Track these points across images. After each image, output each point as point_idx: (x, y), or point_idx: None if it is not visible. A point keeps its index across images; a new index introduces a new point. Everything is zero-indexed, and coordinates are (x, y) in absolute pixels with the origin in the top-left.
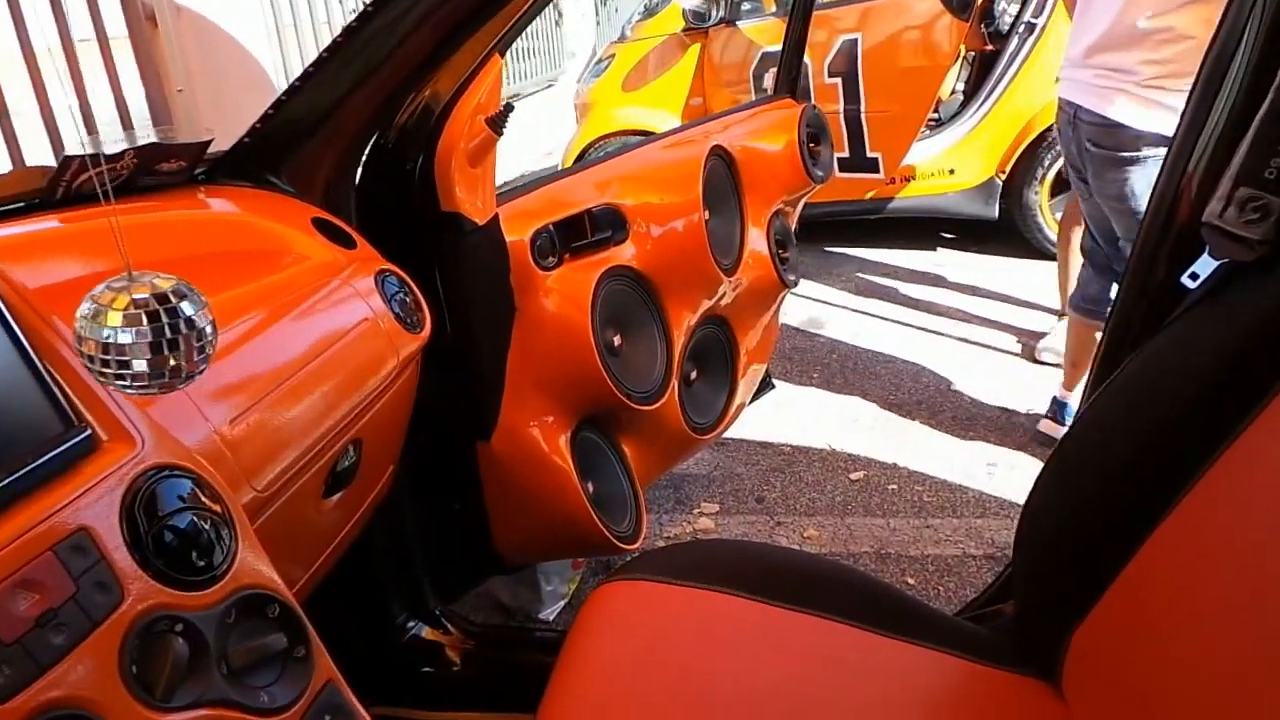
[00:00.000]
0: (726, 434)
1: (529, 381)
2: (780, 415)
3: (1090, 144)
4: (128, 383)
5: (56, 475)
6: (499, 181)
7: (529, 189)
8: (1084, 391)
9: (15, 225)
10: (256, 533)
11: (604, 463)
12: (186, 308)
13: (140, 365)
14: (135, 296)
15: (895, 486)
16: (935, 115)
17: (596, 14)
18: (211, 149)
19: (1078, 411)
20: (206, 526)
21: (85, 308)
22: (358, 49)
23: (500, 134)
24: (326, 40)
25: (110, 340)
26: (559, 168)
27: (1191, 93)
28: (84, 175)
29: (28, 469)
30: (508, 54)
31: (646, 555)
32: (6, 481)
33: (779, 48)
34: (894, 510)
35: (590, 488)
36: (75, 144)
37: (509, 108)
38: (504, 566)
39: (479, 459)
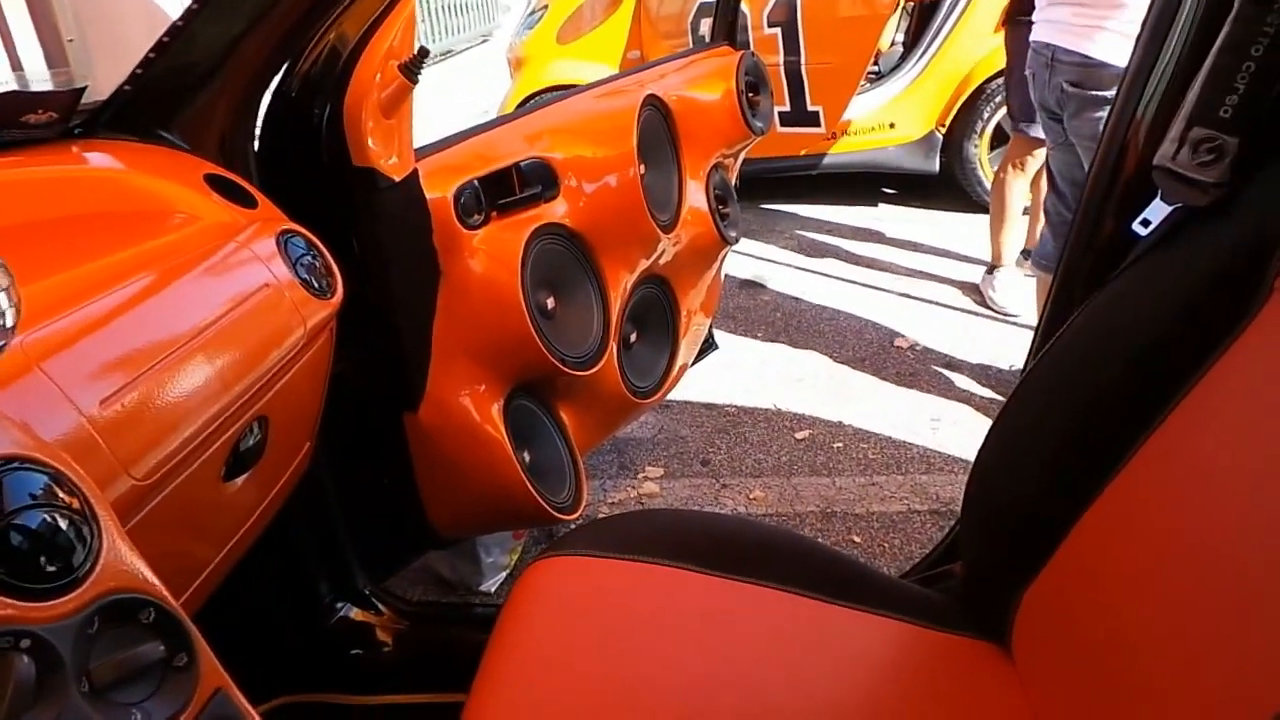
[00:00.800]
0: (670, 396)
1: (457, 348)
2: (725, 375)
3: (1069, 84)
4: None
5: None
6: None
7: (451, 143)
8: (1032, 346)
9: None
10: (144, 524)
11: (540, 431)
12: None
13: None
14: None
15: (841, 444)
16: (875, 68)
17: None
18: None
19: (1024, 369)
20: (64, 525)
21: None
22: None
23: (415, 81)
24: None
25: None
26: None
27: (1141, 31)
28: None
29: None
30: (438, 9)
31: (583, 528)
32: None
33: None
34: (839, 469)
35: (526, 457)
36: None
37: (424, 52)
38: (439, 541)
39: (407, 431)
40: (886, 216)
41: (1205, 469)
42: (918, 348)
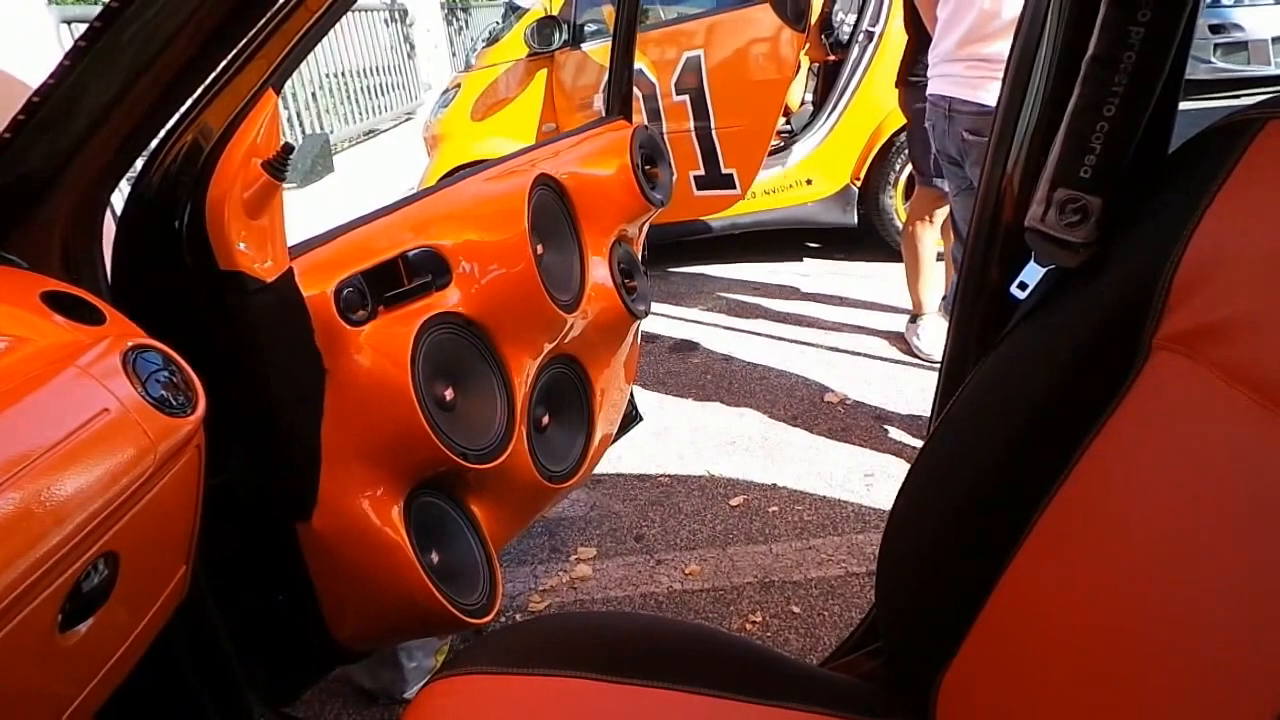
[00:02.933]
0: (600, 470)
1: (349, 450)
2: (656, 444)
3: (968, 132)
4: None
5: None
6: None
7: (332, 236)
8: (933, 408)
9: None
10: None
11: (450, 528)
12: None
13: None
14: None
15: (776, 508)
16: (787, 127)
17: (451, 43)
18: None
19: (928, 430)
20: None
21: None
22: (93, 73)
23: (281, 179)
24: None
25: None
26: None
27: (1003, 84)
28: None
29: None
30: (360, 89)
31: (477, 644)
32: None
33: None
34: (775, 534)
35: (434, 558)
36: None
37: (288, 148)
38: (347, 655)
39: (301, 542)
40: (812, 271)
41: (1118, 522)
42: (848, 401)
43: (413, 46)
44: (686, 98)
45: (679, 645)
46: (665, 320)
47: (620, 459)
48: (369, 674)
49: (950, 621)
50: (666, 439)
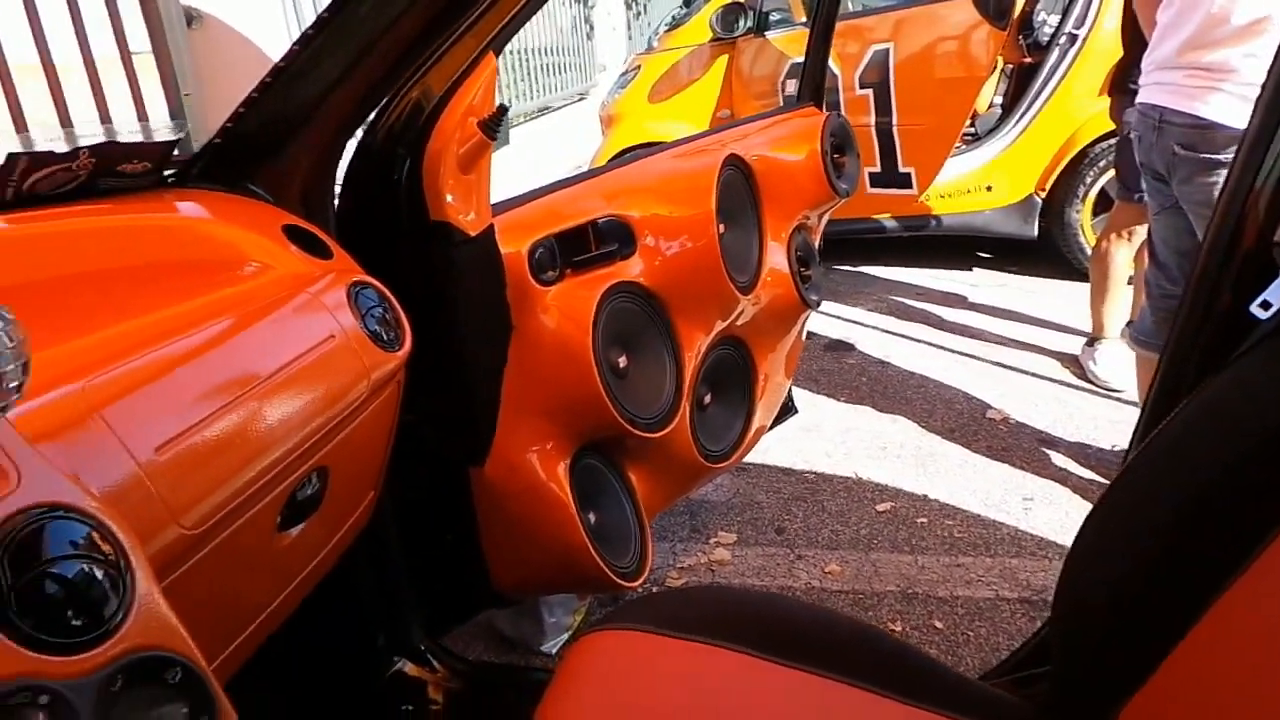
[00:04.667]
0: (747, 459)
1: (526, 405)
2: (804, 441)
3: (1180, 146)
4: None
5: None
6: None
7: (528, 199)
8: (1136, 431)
9: None
10: (192, 574)
11: (608, 492)
12: None
13: None
14: None
15: (925, 520)
16: (971, 130)
17: (629, 27)
18: None
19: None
20: (100, 576)
21: None
22: (333, 42)
23: (494, 138)
24: None
25: None
26: None
27: (1261, 94)
28: (36, 174)
29: None
30: (538, 68)
31: (640, 600)
32: None
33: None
34: (923, 546)
35: (591, 519)
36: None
37: (503, 110)
38: (500, 600)
39: (473, 486)
40: (981, 281)
41: None
42: (1011, 421)
43: (592, 28)
44: (870, 92)
45: (844, 637)
46: (822, 317)
47: (767, 450)
48: (511, 622)
49: (1137, 657)
50: (815, 436)
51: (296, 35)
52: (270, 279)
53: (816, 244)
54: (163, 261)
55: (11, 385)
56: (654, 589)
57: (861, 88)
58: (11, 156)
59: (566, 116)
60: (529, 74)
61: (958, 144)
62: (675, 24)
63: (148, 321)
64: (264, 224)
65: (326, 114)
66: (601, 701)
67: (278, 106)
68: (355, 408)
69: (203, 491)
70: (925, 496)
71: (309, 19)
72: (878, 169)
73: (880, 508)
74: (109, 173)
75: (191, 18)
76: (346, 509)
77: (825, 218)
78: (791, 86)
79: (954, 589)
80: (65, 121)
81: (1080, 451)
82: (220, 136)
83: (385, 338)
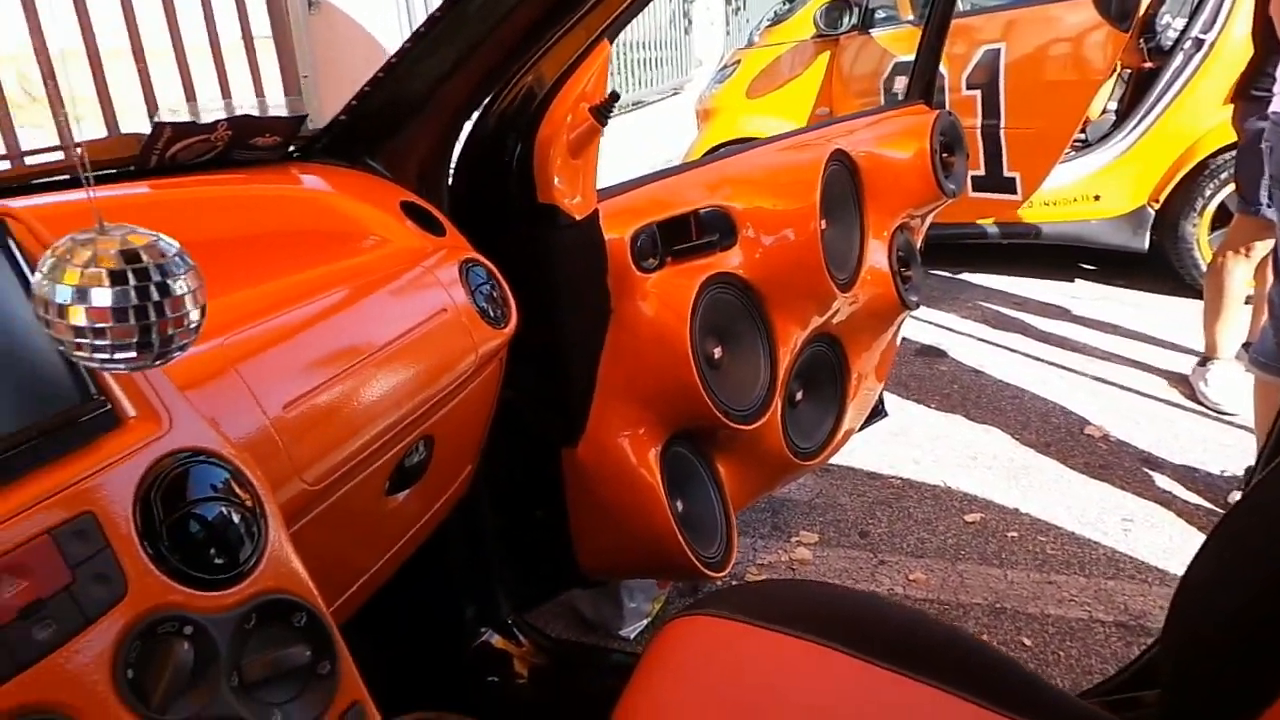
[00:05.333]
0: (832, 460)
1: (621, 389)
2: (891, 445)
3: None
4: (86, 353)
5: (66, 451)
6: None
7: (633, 186)
8: (1260, 457)
9: (101, 190)
10: (307, 528)
11: (696, 481)
12: (161, 270)
13: (100, 335)
14: (100, 251)
15: (1015, 534)
16: (1082, 136)
17: (727, 22)
18: None
19: (1252, 479)
20: (236, 520)
21: (45, 262)
22: (454, 27)
23: (604, 124)
24: None
25: (65, 301)
26: None
27: None
28: (178, 144)
29: (32, 442)
30: (634, 61)
31: (731, 589)
32: (6, 454)
33: (913, 57)
34: (1013, 561)
35: (679, 506)
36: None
37: (615, 96)
38: (585, 580)
39: (564, 467)
40: (1083, 294)
41: None
42: (1112, 438)
43: (691, 22)
44: (977, 93)
45: (931, 636)
46: (915, 322)
47: (852, 453)
48: (591, 604)
49: (1255, 688)
50: (903, 441)
51: (407, 21)
52: (388, 252)
53: (918, 244)
54: (290, 230)
55: (193, 326)
56: (732, 583)
57: (968, 88)
58: (158, 125)
59: (659, 112)
60: (624, 66)
61: (1067, 150)
62: (777, 20)
63: (277, 286)
64: (383, 199)
65: (445, 97)
66: (689, 686)
67: (400, 88)
68: (462, 380)
69: (323, 449)
70: (1017, 510)
71: (419, 5)
72: (981, 172)
73: (969, 518)
74: (242, 145)
75: (311, 3)
76: (447, 479)
77: (929, 218)
78: (895, 85)
79: (1044, 607)
80: (190, 97)
81: (1187, 474)
82: (345, 113)
83: (493, 314)
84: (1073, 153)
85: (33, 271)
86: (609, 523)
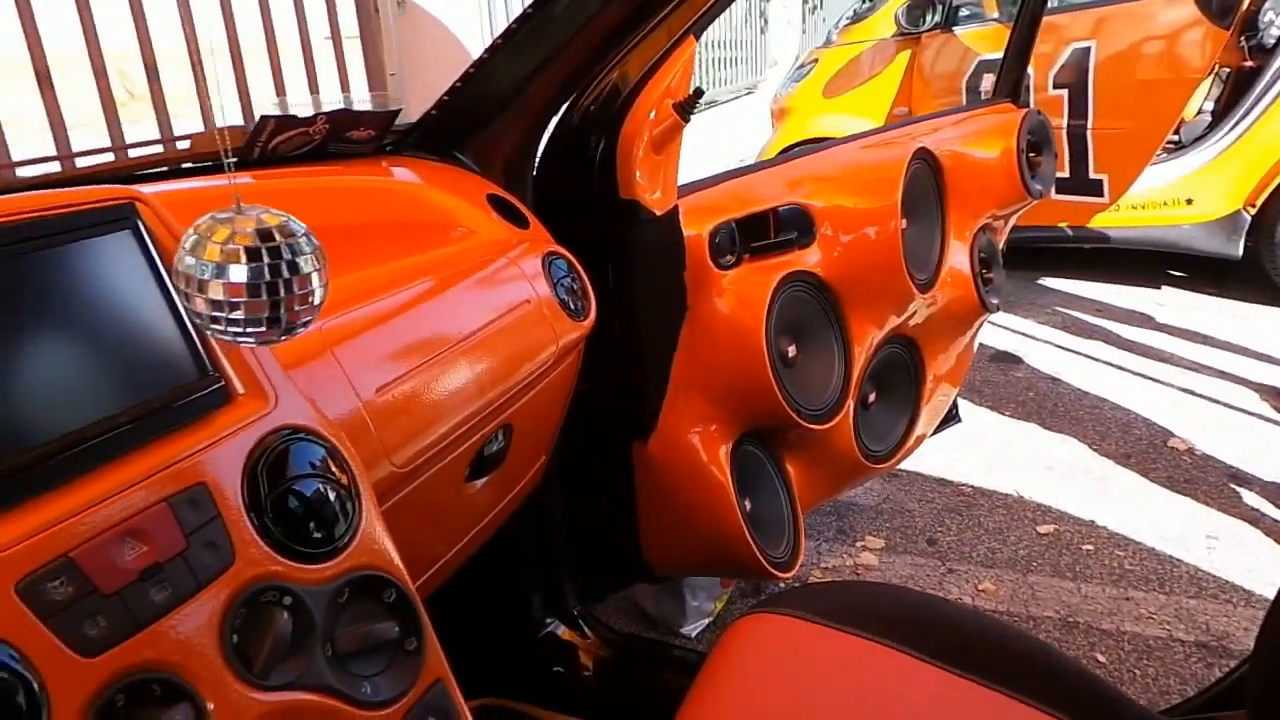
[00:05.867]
0: (901, 465)
1: (694, 385)
2: (962, 452)
3: None
4: (221, 327)
5: (183, 425)
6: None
7: (712, 182)
8: None
9: (208, 180)
10: (391, 511)
11: (765, 480)
12: (291, 249)
13: (235, 309)
14: (237, 230)
15: (1091, 547)
16: (1175, 137)
17: (803, 22)
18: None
19: None
20: (332, 498)
21: (188, 239)
22: (544, 25)
23: (688, 120)
24: None
25: (204, 277)
26: None
27: None
28: (279, 136)
29: (152, 414)
30: (709, 61)
31: (799, 589)
32: (129, 425)
33: (998, 55)
34: (1088, 574)
35: (747, 505)
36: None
37: (699, 93)
38: (650, 575)
39: (634, 460)
40: (1170, 301)
41: None
42: (1197, 452)
43: (767, 21)
44: (1065, 92)
45: (1006, 644)
46: (990, 327)
47: (921, 458)
48: (654, 600)
49: None
50: (975, 448)
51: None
52: (475, 243)
53: (1001, 246)
54: (381, 221)
55: (316, 303)
56: (797, 585)
57: (1055, 88)
58: (262, 119)
59: (732, 111)
60: (700, 65)
61: (1158, 152)
62: (857, 18)
63: (370, 274)
64: (470, 192)
65: (532, 94)
66: (756, 684)
67: (489, 85)
68: (542, 371)
69: (411, 433)
70: (1093, 523)
71: (499, 6)
72: (1067, 174)
73: (1042, 529)
74: (338, 138)
75: (400, 2)
76: (523, 468)
77: (1013, 220)
78: (978, 84)
79: (1120, 623)
80: (280, 91)
81: (1276, 491)
82: (436, 109)
83: (573, 307)
84: (1164, 154)
85: (159, 255)
86: (677, 518)
